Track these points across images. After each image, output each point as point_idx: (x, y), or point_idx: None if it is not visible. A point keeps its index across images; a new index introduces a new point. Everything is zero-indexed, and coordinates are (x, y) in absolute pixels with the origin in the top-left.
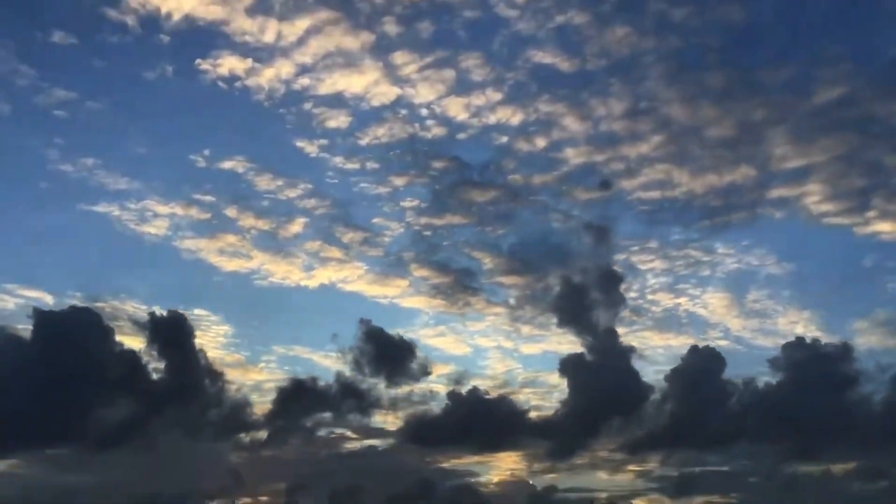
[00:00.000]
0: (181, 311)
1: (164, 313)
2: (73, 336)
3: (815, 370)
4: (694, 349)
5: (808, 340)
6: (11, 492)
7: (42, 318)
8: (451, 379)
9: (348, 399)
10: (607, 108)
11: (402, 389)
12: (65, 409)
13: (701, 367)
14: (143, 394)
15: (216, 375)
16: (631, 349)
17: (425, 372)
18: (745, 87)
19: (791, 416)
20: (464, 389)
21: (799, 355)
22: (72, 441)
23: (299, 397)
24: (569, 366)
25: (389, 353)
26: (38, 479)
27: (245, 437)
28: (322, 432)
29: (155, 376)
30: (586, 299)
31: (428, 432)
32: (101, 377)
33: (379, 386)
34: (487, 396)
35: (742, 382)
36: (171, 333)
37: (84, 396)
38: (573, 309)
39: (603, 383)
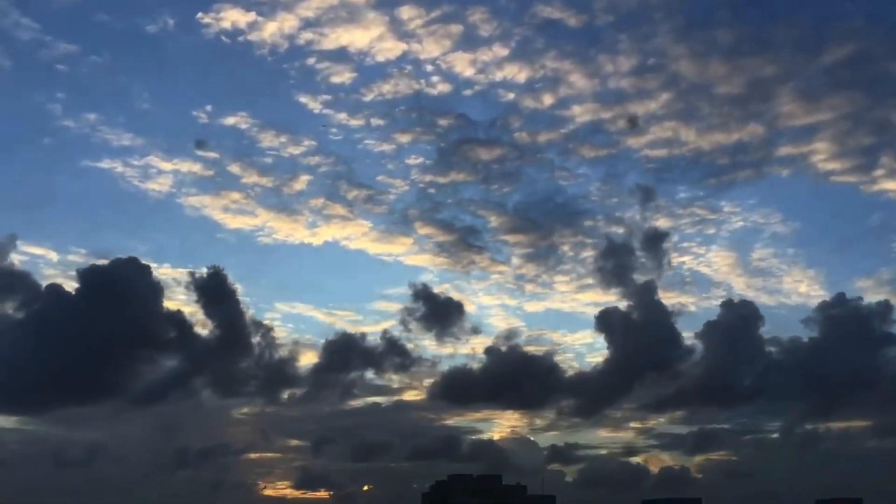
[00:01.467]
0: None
1: (204, 273)
2: (120, 289)
3: (841, 329)
4: (729, 303)
5: (848, 297)
6: (42, 446)
7: (87, 274)
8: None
9: (360, 360)
10: (615, 64)
11: (417, 345)
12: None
13: (733, 323)
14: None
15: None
16: (667, 309)
17: (477, 331)
18: (754, 44)
19: (794, 374)
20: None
21: (825, 315)
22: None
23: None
24: (604, 322)
25: (440, 314)
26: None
27: (261, 394)
28: (330, 390)
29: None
30: (627, 259)
31: (439, 390)
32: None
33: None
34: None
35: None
36: (214, 292)
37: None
38: (611, 268)
39: (637, 340)
